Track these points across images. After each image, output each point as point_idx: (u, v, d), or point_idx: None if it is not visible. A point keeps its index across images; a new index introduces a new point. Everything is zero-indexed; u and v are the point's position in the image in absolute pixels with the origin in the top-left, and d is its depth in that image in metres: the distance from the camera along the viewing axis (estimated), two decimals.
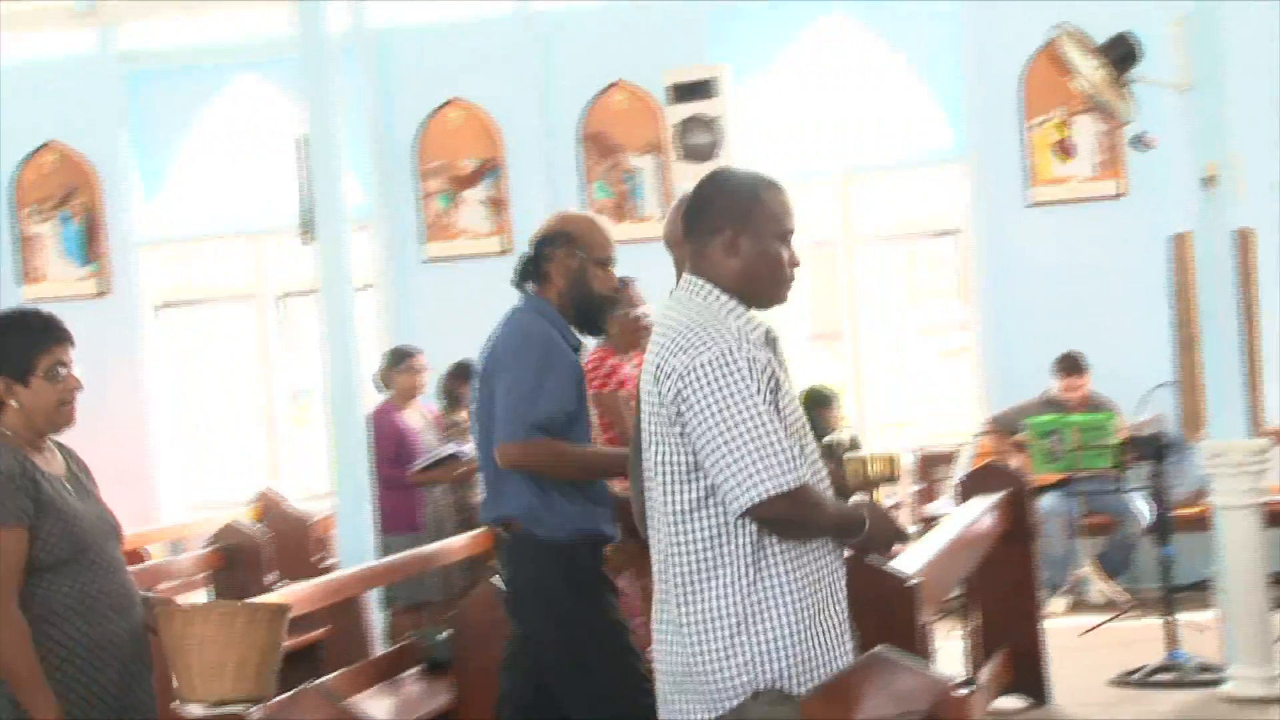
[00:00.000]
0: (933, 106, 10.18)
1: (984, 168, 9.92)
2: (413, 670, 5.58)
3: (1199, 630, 7.13)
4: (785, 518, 2.95)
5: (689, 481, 3.00)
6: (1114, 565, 9.02)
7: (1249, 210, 6.90)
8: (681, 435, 2.98)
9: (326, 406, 6.74)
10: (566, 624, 4.19)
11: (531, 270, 4.43)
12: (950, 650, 5.88)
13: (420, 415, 8.43)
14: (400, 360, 8.46)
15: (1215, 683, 6.62)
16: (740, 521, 2.96)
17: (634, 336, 6.86)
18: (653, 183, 10.28)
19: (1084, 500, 8.88)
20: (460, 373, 8.52)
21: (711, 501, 2.98)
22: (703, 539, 3.00)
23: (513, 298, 7.09)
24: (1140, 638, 7.35)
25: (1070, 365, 9.01)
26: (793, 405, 3.05)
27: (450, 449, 8.13)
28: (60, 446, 3.50)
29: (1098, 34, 6.89)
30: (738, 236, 3.08)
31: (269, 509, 8.94)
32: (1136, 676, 6.91)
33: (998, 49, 9.77)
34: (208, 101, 11.07)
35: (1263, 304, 6.93)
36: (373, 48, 10.54)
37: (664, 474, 3.04)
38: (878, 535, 3.14)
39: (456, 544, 6.72)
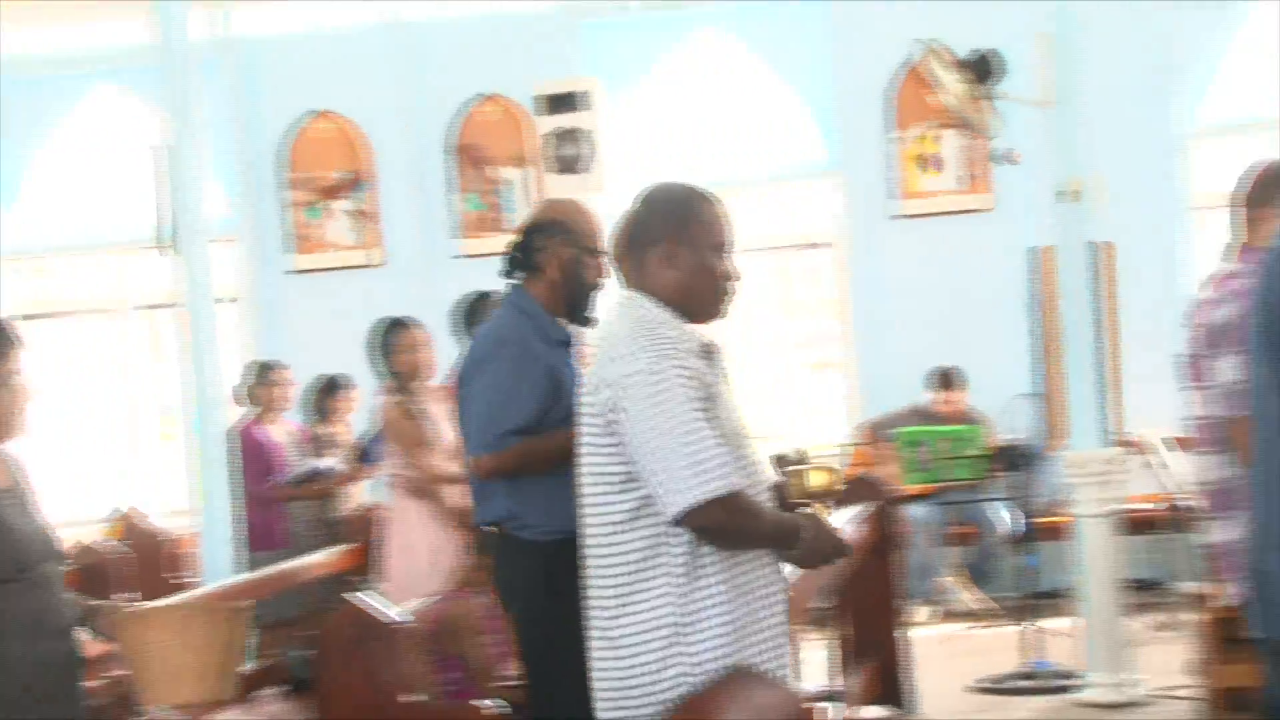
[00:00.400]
0: (804, 120, 10.25)
1: (853, 181, 10.01)
2: (274, 689, 5.46)
3: (1059, 637, 7.24)
4: (718, 525, 2.94)
5: (623, 491, 3.00)
6: (979, 574, 9.14)
7: (1110, 224, 7.03)
8: (616, 445, 2.98)
9: (187, 421, 6.60)
10: (541, 623, 4.14)
11: (522, 260, 4.31)
12: (816, 662, 5.89)
13: (285, 430, 8.30)
14: (264, 374, 8.33)
15: (1073, 689, 6.72)
16: (675, 532, 2.96)
17: None
18: (524, 195, 10.22)
19: (950, 510, 8.98)
20: (328, 387, 8.42)
21: (646, 512, 2.98)
22: (637, 550, 2.99)
23: (383, 309, 7.05)
24: (1003, 645, 7.44)
25: (945, 380, 9.12)
26: (731, 415, 3.07)
27: (316, 464, 8.03)
28: (8, 459, 3.38)
29: (962, 50, 6.99)
30: (675, 249, 3.10)
31: (130, 526, 8.74)
32: (997, 683, 7.00)
33: (866, 63, 9.86)
34: (66, 111, 10.83)
35: (1123, 317, 7.07)
36: (237, 57, 10.37)
37: (598, 484, 3.04)
38: (815, 547, 3.11)
39: (320, 560, 6.61)
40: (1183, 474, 7.77)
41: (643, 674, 2.99)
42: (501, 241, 9.92)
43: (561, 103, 9.67)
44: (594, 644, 3.10)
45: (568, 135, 9.68)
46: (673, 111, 10.36)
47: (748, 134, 10.36)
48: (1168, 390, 9.01)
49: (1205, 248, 9.52)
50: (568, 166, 9.72)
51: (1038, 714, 6.61)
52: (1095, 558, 6.67)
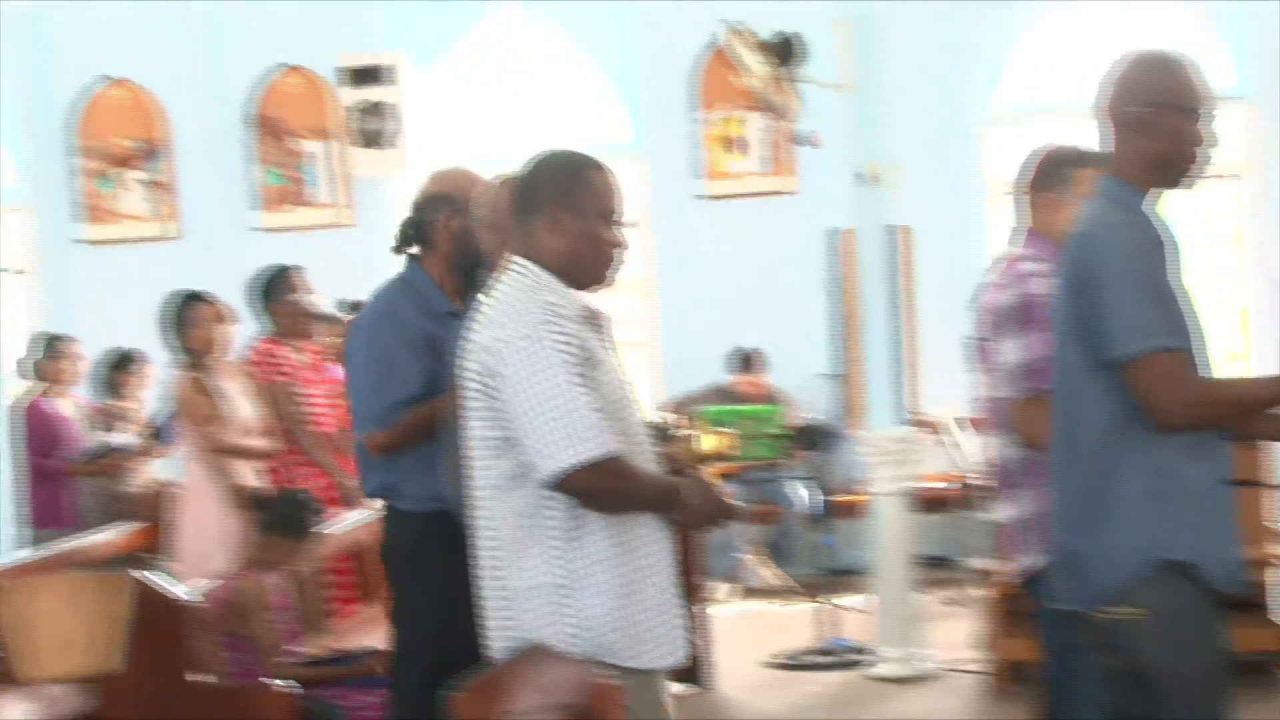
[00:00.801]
0: (610, 99, 10.25)
1: (658, 161, 10.03)
2: None
3: (854, 613, 7.37)
4: (592, 489, 2.96)
5: (502, 456, 3.01)
6: (778, 552, 9.25)
7: (908, 208, 7.16)
8: (494, 410, 3.00)
9: None
10: (411, 594, 4.12)
11: (413, 236, 4.24)
12: None
13: (74, 405, 8.05)
14: (52, 347, 8.07)
15: (866, 664, 6.85)
16: (553, 496, 2.98)
17: (302, 325, 6.71)
18: (326, 169, 10.05)
19: (751, 489, 9.07)
20: (120, 362, 8.18)
21: (526, 474, 2.99)
22: (519, 512, 3.01)
23: (179, 283, 6.86)
24: (800, 622, 7.55)
25: (745, 362, 9.21)
26: (614, 381, 3.08)
27: (109, 440, 7.81)
28: None
29: (765, 32, 7.05)
30: (561, 216, 3.09)
31: None
32: (793, 660, 7.10)
33: (672, 44, 9.89)
34: None
35: (920, 299, 7.20)
36: (27, 22, 9.98)
37: (480, 448, 3.05)
38: (698, 510, 3.15)
39: (109, 538, 6.42)
40: (973, 453, 7.97)
41: (530, 634, 3.01)
42: (303, 216, 9.96)
43: (366, 76, 9.54)
44: (491, 600, 3.10)
45: (372, 109, 9.55)
46: (479, 88, 10.28)
47: (553, 112, 10.32)
48: (961, 372, 9.25)
49: (1000, 232, 9.76)
50: (372, 141, 9.60)
51: (831, 689, 6.73)
52: (890, 535, 6.81)
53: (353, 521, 6.00)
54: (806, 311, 8.29)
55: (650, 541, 3.10)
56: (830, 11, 7.12)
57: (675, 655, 3.14)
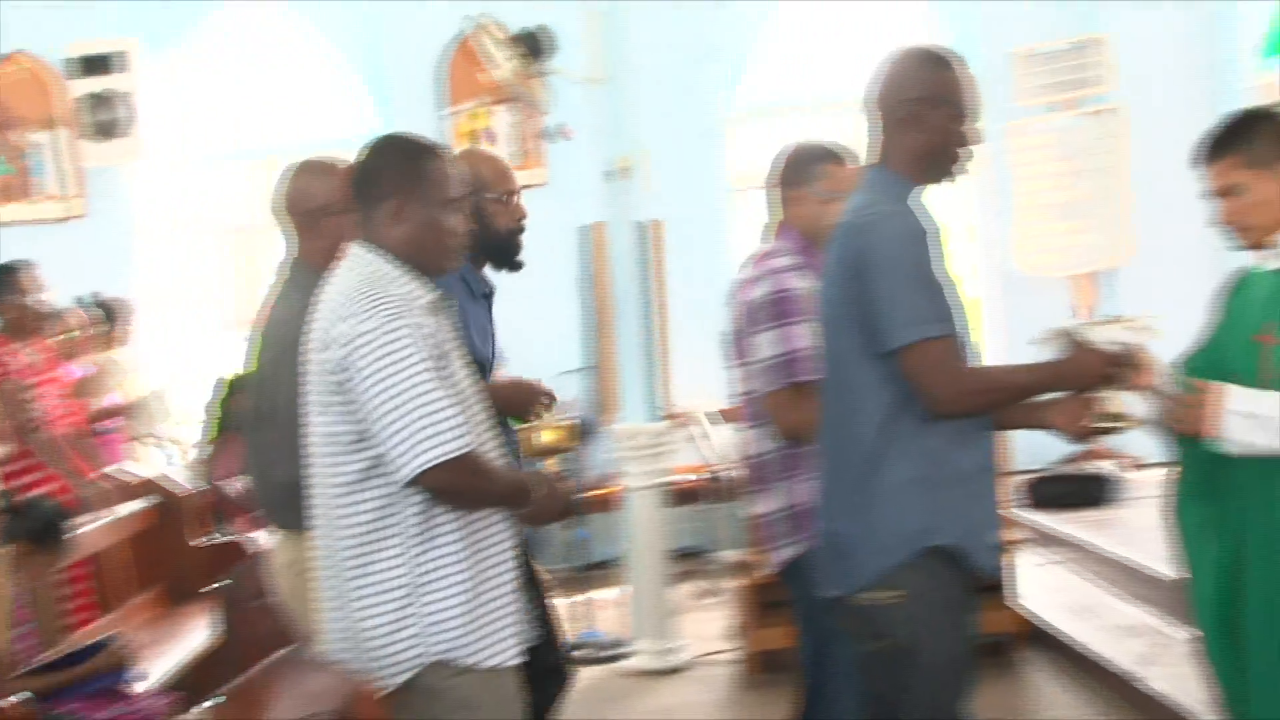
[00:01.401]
0: (355, 89, 10.06)
1: None
2: None
3: (608, 607, 7.38)
4: (452, 486, 2.92)
5: (354, 452, 2.94)
6: (533, 546, 9.20)
7: (658, 202, 7.19)
8: (346, 405, 2.93)
9: None
10: None
11: None
12: None
13: None
14: None
15: (621, 657, 6.87)
16: (407, 493, 2.93)
17: (32, 324, 6.44)
18: (54, 160, 9.63)
19: None
20: None
21: (377, 472, 2.93)
22: (370, 510, 2.95)
23: None
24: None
25: None
26: (462, 373, 3.04)
27: None
28: None
29: (513, 26, 7.01)
30: (404, 204, 3.05)
31: None
32: None
33: (418, 36, 9.75)
34: None
35: (671, 294, 7.25)
36: None
37: (329, 445, 2.98)
38: (547, 505, 3.15)
39: None
40: (724, 446, 8.07)
41: (377, 634, 2.94)
42: (30, 209, 9.53)
43: (96, 64, 9.17)
44: (327, 605, 3.04)
45: (103, 99, 9.20)
46: (217, 76, 9.98)
47: (297, 103, 10.09)
48: (712, 365, 9.34)
49: (747, 226, 9.92)
50: (105, 131, 9.25)
51: (585, 683, 6.71)
52: (643, 529, 6.83)
53: (90, 527, 5.76)
54: (558, 305, 8.27)
55: (498, 538, 3.07)
56: (578, 6, 7.10)
57: (519, 652, 3.10)
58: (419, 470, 2.87)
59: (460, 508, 2.98)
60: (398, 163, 3.09)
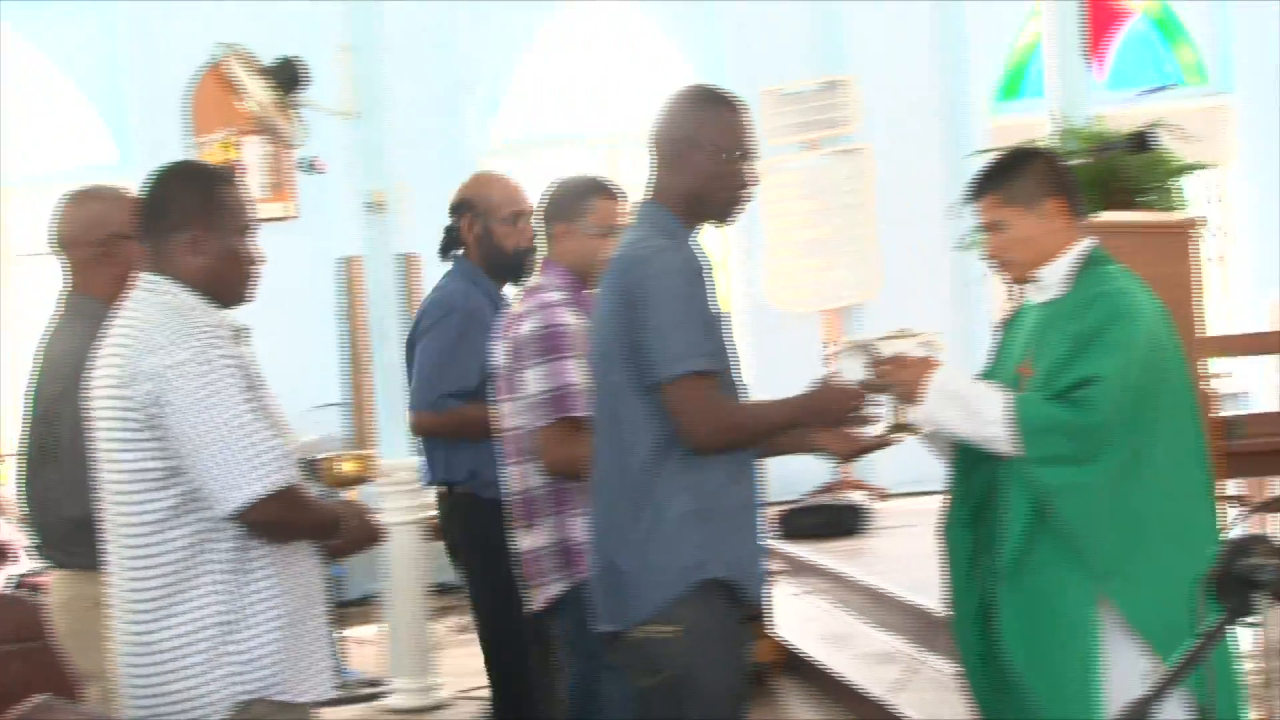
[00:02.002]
0: (94, 120, 9.77)
1: None
2: None
3: (365, 645, 7.27)
4: (275, 519, 2.86)
5: (166, 488, 2.85)
6: None
7: (414, 235, 7.13)
8: (156, 440, 2.83)
9: None
10: (501, 580, 4.17)
11: (453, 240, 4.63)
12: None
13: None
14: None
15: (379, 696, 6.78)
16: (222, 527, 2.84)
17: None
18: None
19: None
20: None
21: (191, 508, 2.85)
22: (181, 546, 2.85)
23: None
24: None
25: None
26: (272, 403, 2.97)
27: None
28: None
29: (266, 56, 6.88)
30: (201, 233, 2.97)
31: None
32: None
33: (163, 65, 9.54)
34: None
35: None
36: None
37: (135, 482, 2.86)
38: (356, 536, 3.10)
39: None
40: None
41: (187, 678, 2.84)
42: None
43: None
44: (126, 651, 2.91)
45: None
46: None
47: (32, 131, 9.77)
48: None
49: None
50: None
51: None
52: (401, 564, 6.75)
53: None
54: (315, 340, 8.14)
55: (310, 571, 3.01)
56: (332, 37, 7.03)
57: (329, 687, 3.04)
58: (242, 503, 2.79)
59: (279, 541, 2.91)
60: (191, 191, 3.00)
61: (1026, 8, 10.39)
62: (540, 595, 3.88)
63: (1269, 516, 8.11)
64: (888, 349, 3.41)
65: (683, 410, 3.04)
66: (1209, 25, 10.89)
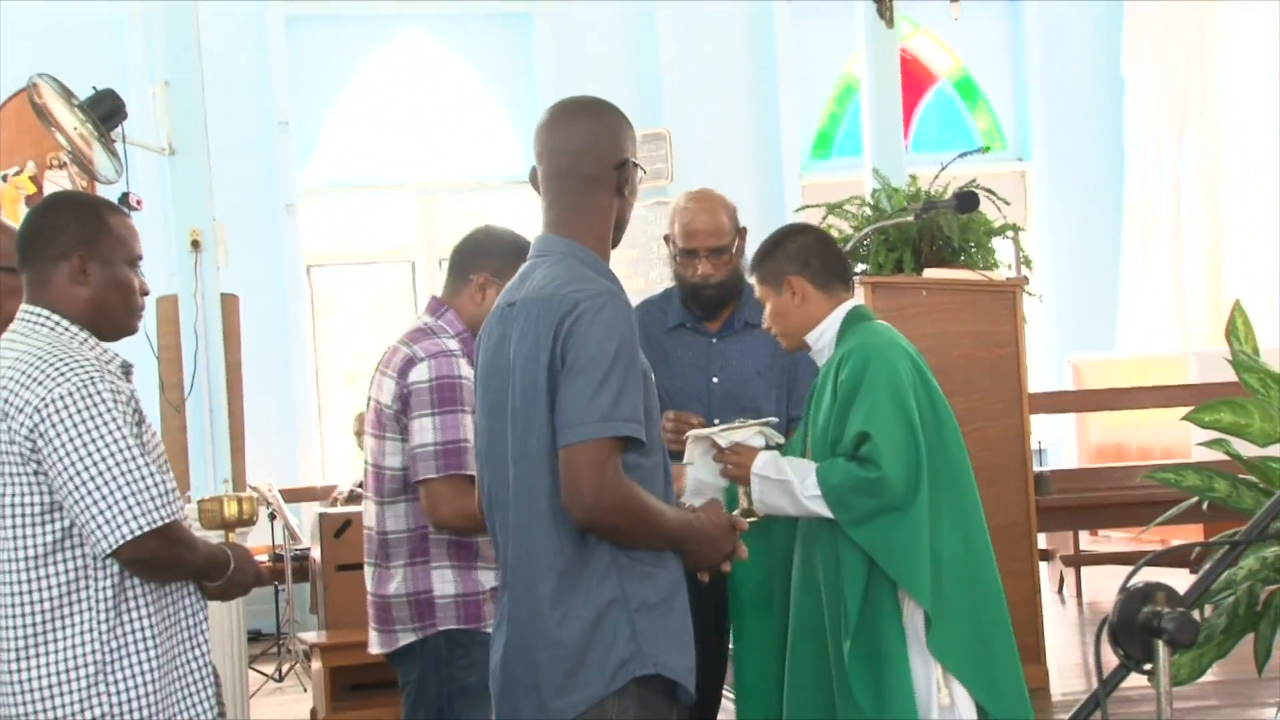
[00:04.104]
0: None
1: None
2: None
3: None
4: (155, 557, 2.77)
5: (44, 524, 2.77)
6: None
7: (233, 275, 7.02)
8: (36, 474, 2.76)
9: None
10: None
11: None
12: None
13: None
14: None
15: None
16: (101, 565, 2.77)
17: None
18: None
19: None
20: None
21: (69, 543, 2.77)
22: (58, 584, 2.77)
23: None
24: None
25: None
26: (155, 439, 2.90)
27: None
28: None
29: (80, 89, 6.73)
30: (87, 264, 2.88)
31: None
32: None
33: None
34: None
35: (244, 369, 7.07)
36: None
37: (12, 516, 2.77)
38: (237, 579, 3.00)
39: None
40: (296, 525, 7.92)
41: (62, 718, 2.74)
42: None
43: None
44: None
45: None
46: None
47: None
48: (285, 442, 9.16)
49: (320, 302, 9.81)
50: None
51: None
52: (216, 608, 6.54)
53: None
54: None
55: (190, 610, 2.92)
56: (149, 73, 6.92)
57: None
58: (123, 540, 2.72)
59: (159, 579, 2.84)
60: (77, 220, 2.91)
61: (837, 69, 10.73)
62: (387, 641, 3.73)
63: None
64: (727, 439, 3.54)
65: (577, 474, 2.65)
66: (1008, 93, 11.32)
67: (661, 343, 4.35)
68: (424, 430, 3.60)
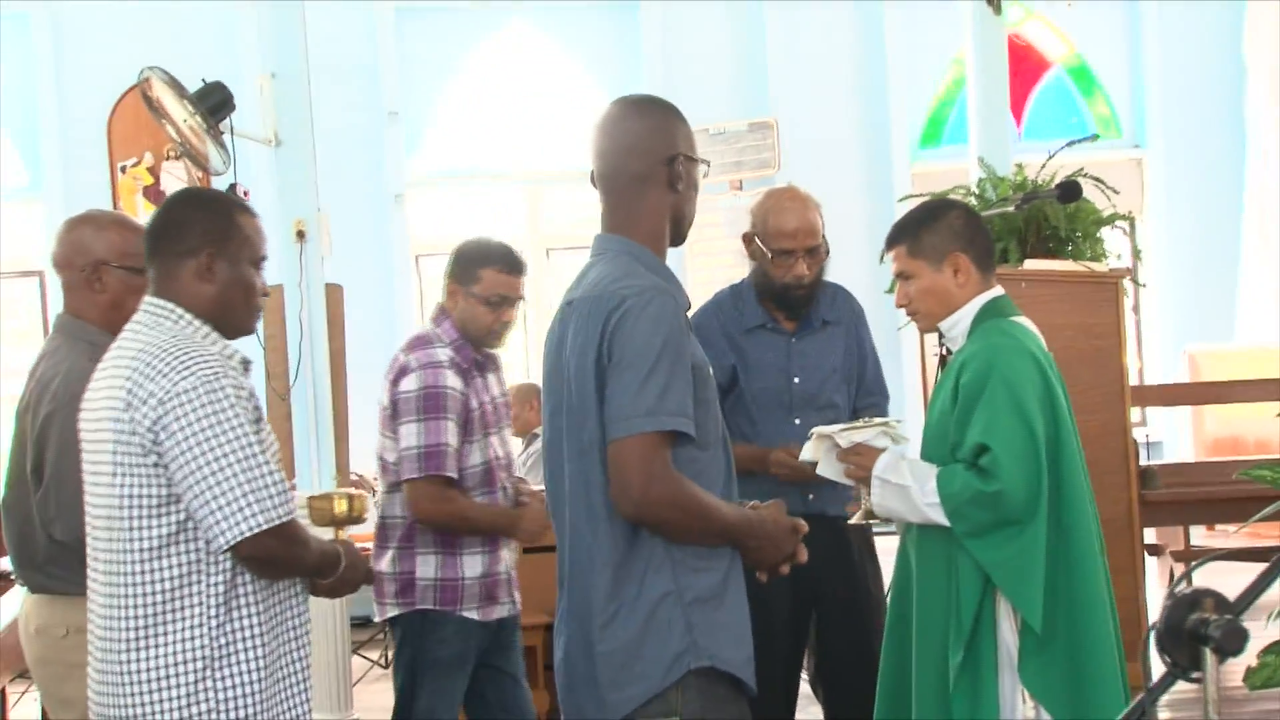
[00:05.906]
0: (7, 143, 9.65)
1: (66, 207, 9.50)
2: None
3: None
4: (272, 555, 2.79)
5: (162, 515, 2.79)
6: None
7: (337, 266, 7.09)
8: (156, 466, 2.77)
9: None
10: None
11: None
12: None
13: None
14: None
15: None
16: (214, 558, 2.79)
17: None
18: None
19: None
20: None
21: (184, 537, 2.79)
22: (171, 577, 2.79)
23: None
24: None
25: None
26: (270, 435, 2.93)
27: None
28: None
29: (190, 82, 6.82)
30: (214, 261, 2.91)
31: None
32: None
33: (86, 88, 9.45)
34: None
35: (350, 358, 7.14)
36: None
37: (129, 508, 2.79)
38: (348, 577, 3.03)
39: None
40: None
41: (164, 712, 2.78)
42: None
43: None
44: (104, 680, 2.83)
45: None
46: None
47: None
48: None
49: (424, 293, 9.89)
50: None
51: None
52: (320, 599, 6.66)
53: None
54: None
55: (296, 610, 2.95)
56: (256, 65, 6.99)
57: None
58: (241, 537, 2.74)
59: (272, 576, 2.86)
60: (207, 217, 2.94)
61: (948, 56, 10.57)
62: (380, 611, 4.32)
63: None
64: (849, 439, 3.49)
65: (625, 468, 2.66)
66: (1124, 79, 11.10)
67: (740, 344, 4.33)
68: (409, 434, 4.12)
